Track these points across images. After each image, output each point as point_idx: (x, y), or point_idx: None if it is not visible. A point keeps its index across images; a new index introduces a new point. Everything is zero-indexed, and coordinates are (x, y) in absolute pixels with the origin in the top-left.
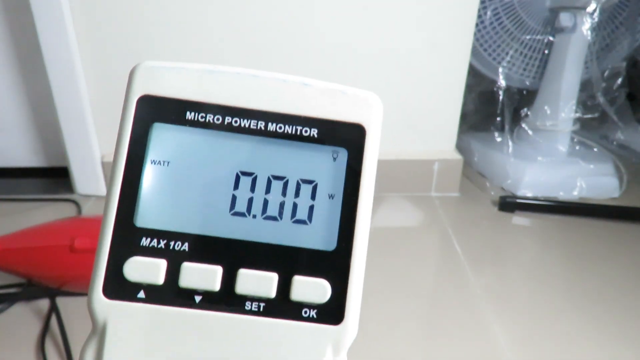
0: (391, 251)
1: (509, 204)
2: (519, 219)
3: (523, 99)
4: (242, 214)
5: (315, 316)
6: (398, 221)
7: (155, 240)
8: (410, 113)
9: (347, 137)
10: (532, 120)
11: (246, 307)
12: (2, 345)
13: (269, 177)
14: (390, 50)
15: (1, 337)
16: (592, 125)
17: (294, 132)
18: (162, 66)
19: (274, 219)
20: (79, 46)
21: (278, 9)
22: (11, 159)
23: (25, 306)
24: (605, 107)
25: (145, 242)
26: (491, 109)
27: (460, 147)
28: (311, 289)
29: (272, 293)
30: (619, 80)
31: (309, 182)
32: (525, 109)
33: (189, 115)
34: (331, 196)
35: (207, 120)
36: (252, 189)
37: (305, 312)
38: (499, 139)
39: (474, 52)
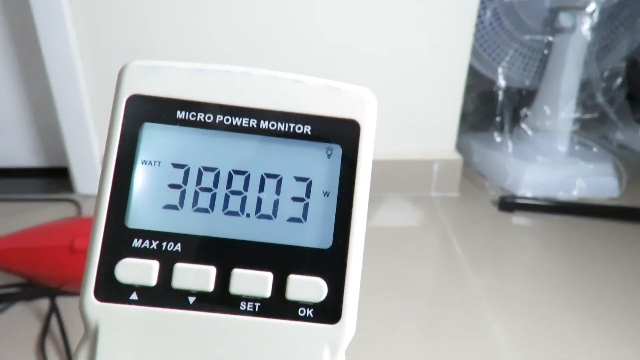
0: (391, 251)
1: (509, 204)
2: (519, 219)
3: (522, 99)
4: (235, 213)
5: (311, 315)
6: (398, 221)
7: (147, 241)
8: (410, 113)
9: (341, 134)
10: (532, 121)
11: (241, 308)
12: (2, 345)
13: (262, 176)
14: (390, 50)
15: (1, 337)
16: (591, 125)
17: (287, 129)
18: (151, 65)
19: (268, 217)
20: (79, 46)
21: (278, 8)
22: (11, 159)
23: (25, 306)
24: (605, 107)
25: (137, 243)
26: (491, 109)
27: (460, 147)
28: (307, 288)
29: (268, 292)
30: (619, 81)
31: (304, 179)
32: (525, 109)
33: (180, 115)
34: (326, 193)
35: (198, 119)
36: (246, 188)
37: (302, 312)
38: (498, 139)
39: (474, 52)
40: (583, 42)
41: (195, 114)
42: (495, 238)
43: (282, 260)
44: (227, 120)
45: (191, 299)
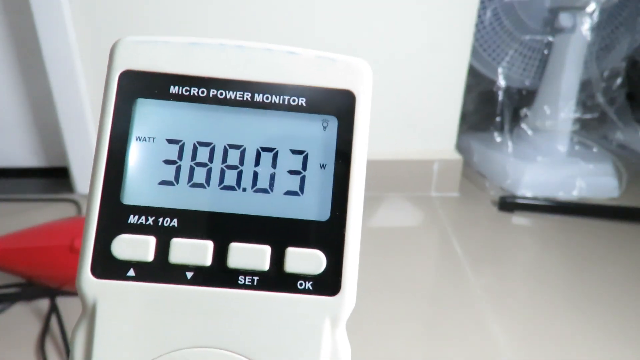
0: (391, 251)
1: (509, 204)
2: (519, 219)
3: (522, 99)
4: (231, 188)
5: (311, 288)
6: (398, 221)
7: (143, 217)
8: (410, 113)
9: (336, 105)
10: (532, 121)
11: (239, 282)
12: (2, 345)
13: (258, 149)
14: (390, 50)
15: (1, 337)
16: (591, 125)
17: (281, 101)
18: (144, 40)
19: (264, 191)
20: (79, 46)
21: (278, 9)
22: (11, 159)
23: (25, 306)
24: (605, 107)
25: (133, 219)
26: (491, 109)
27: (460, 147)
28: (306, 260)
29: (266, 266)
30: (619, 81)
31: (300, 152)
32: (525, 109)
33: (173, 90)
34: (323, 166)
35: (191, 93)
36: (241, 162)
37: (301, 284)
38: (498, 139)
39: (474, 52)
40: (583, 42)
41: (188, 88)
42: (495, 238)
43: (280, 233)
44: (221, 94)
45: (189, 274)
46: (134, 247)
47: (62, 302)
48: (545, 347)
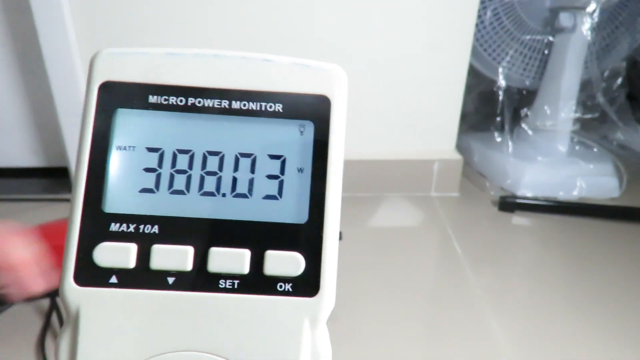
0: (391, 251)
1: (509, 204)
2: (519, 219)
3: (523, 99)
4: (211, 194)
5: (290, 290)
6: (398, 221)
7: (124, 225)
8: (410, 113)
9: (312, 110)
10: (532, 120)
11: (220, 285)
12: (2, 345)
13: (236, 155)
14: (390, 50)
15: (1, 337)
16: (592, 125)
17: (258, 108)
18: (122, 52)
19: (243, 196)
20: (79, 46)
21: (278, 9)
22: (11, 159)
23: (25, 306)
24: (605, 107)
25: (114, 227)
26: (491, 109)
27: (460, 147)
28: (285, 262)
29: (245, 269)
30: (619, 81)
31: (277, 157)
32: (525, 109)
33: (152, 99)
34: (300, 170)
35: (170, 102)
36: (220, 168)
37: (281, 286)
38: (498, 139)
39: (474, 52)
40: (583, 42)
41: (167, 97)
42: (495, 238)
43: (259, 236)
44: (199, 102)
45: (170, 279)
46: (116, 254)
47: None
48: (545, 347)
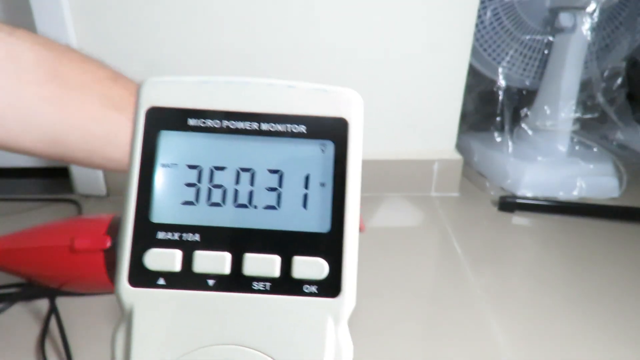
0: (391, 251)
1: (509, 204)
2: (519, 219)
3: (523, 99)
4: (244, 206)
5: (315, 291)
6: (398, 221)
7: (170, 233)
8: (410, 113)
9: (332, 131)
10: (532, 120)
11: (254, 287)
12: (2, 345)
13: (266, 171)
14: (390, 50)
15: (1, 337)
16: (592, 125)
17: (284, 129)
18: (164, 80)
19: (273, 208)
20: (79, 46)
21: (278, 9)
22: (11, 159)
23: (25, 306)
24: (605, 107)
25: (161, 235)
26: (491, 109)
27: (460, 147)
28: (310, 267)
29: (276, 273)
30: (619, 80)
31: (302, 173)
32: (525, 109)
33: (191, 122)
34: (322, 184)
35: (207, 125)
36: (252, 183)
37: (307, 288)
38: (498, 139)
39: (474, 52)
40: (583, 42)
41: (204, 120)
42: (495, 238)
43: (287, 244)
44: (232, 124)
45: (211, 282)
46: (163, 259)
47: (61, 302)
48: (545, 347)
